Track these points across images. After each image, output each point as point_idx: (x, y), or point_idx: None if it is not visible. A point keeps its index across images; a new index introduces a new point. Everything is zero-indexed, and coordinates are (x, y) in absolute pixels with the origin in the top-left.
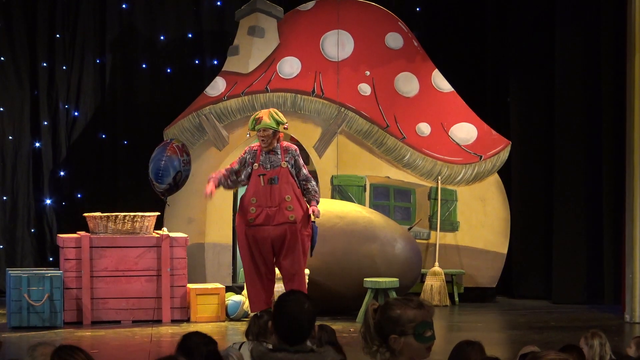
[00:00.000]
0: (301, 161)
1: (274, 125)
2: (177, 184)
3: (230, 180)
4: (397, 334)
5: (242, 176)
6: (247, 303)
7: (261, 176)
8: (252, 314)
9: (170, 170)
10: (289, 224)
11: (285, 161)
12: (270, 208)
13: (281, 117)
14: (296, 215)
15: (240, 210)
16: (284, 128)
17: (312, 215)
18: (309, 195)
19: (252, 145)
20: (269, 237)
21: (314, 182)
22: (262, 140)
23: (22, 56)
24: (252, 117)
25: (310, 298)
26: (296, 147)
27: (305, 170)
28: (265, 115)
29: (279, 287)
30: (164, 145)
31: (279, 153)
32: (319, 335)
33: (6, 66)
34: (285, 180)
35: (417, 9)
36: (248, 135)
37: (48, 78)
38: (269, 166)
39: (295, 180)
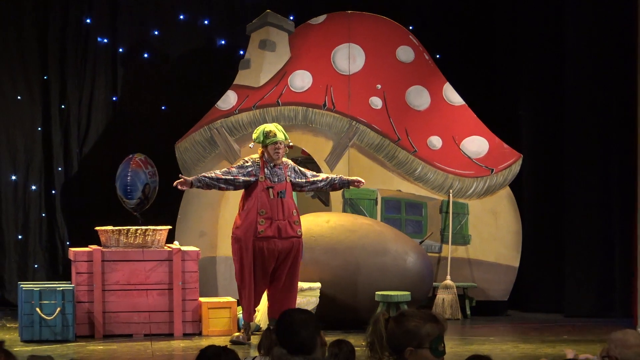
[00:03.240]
0: (299, 167)
1: (287, 139)
2: (147, 196)
3: (222, 183)
4: (413, 347)
5: (234, 184)
6: (259, 316)
7: (269, 189)
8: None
9: (138, 185)
10: (296, 238)
11: (287, 175)
12: (280, 221)
13: (285, 133)
14: (301, 230)
15: (244, 221)
16: (289, 144)
17: (360, 183)
18: (333, 180)
19: (253, 157)
20: (276, 250)
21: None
22: (277, 152)
23: (33, 70)
24: (260, 130)
25: (312, 313)
26: (292, 162)
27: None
28: (276, 129)
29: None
30: (127, 161)
31: (282, 168)
32: (335, 351)
33: (18, 80)
34: (290, 195)
35: (428, 22)
36: (251, 146)
37: (60, 92)
38: (276, 179)
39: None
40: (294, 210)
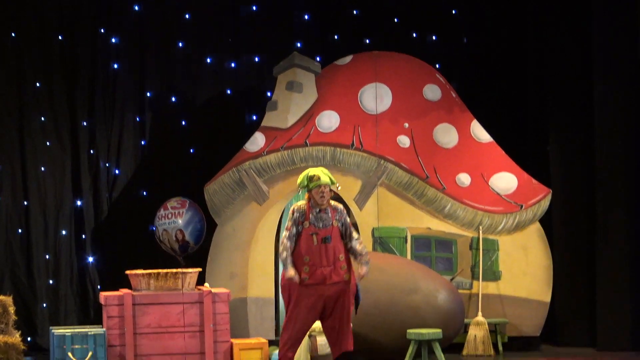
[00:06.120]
0: (349, 219)
1: (333, 182)
2: None
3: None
4: None
5: (295, 239)
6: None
7: (314, 235)
8: None
9: (205, 230)
10: (344, 283)
11: (336, 220)
12: (325, 267)
13: (332, 176)
14: (350, 275)
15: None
16: (337, 187)
17: (359, 276)
18: (359, 257)
19: (298, 204)
20: (322, 296)
21: (362, 240)
22: (322, 197)
23: (63, 115)
24: (304, 174)
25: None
26: (343, 206)
27: (353, 229)
28: (321, 173)
29: (322, 341)
30: (191, 207)
31: (329, 212)
32: None
33: (47, 126)
34: (337, 240)
35: (455, 60)
36: (299, 192)
37: (89, 137)
38: (320, 225)
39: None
40: (341, 255)
